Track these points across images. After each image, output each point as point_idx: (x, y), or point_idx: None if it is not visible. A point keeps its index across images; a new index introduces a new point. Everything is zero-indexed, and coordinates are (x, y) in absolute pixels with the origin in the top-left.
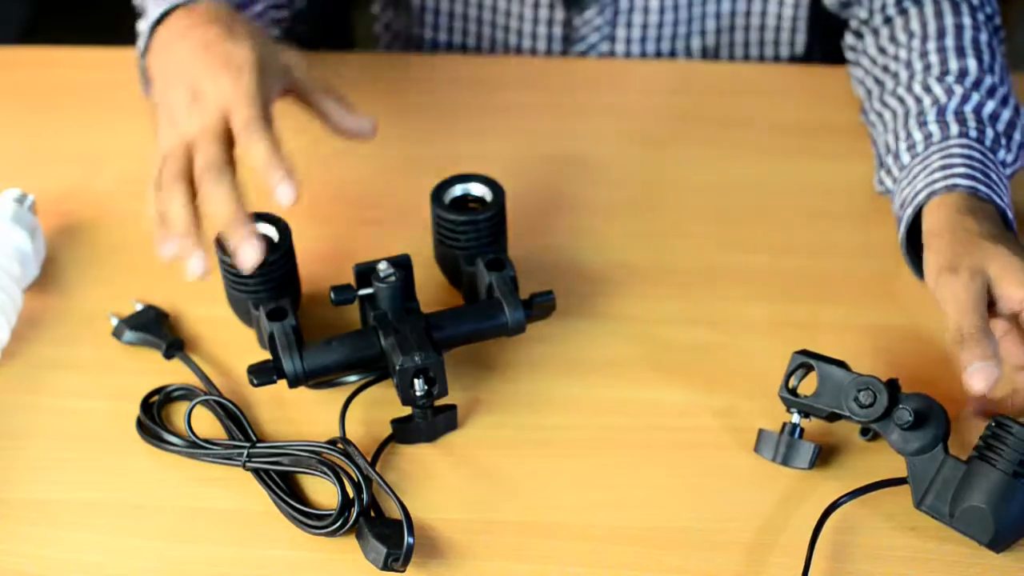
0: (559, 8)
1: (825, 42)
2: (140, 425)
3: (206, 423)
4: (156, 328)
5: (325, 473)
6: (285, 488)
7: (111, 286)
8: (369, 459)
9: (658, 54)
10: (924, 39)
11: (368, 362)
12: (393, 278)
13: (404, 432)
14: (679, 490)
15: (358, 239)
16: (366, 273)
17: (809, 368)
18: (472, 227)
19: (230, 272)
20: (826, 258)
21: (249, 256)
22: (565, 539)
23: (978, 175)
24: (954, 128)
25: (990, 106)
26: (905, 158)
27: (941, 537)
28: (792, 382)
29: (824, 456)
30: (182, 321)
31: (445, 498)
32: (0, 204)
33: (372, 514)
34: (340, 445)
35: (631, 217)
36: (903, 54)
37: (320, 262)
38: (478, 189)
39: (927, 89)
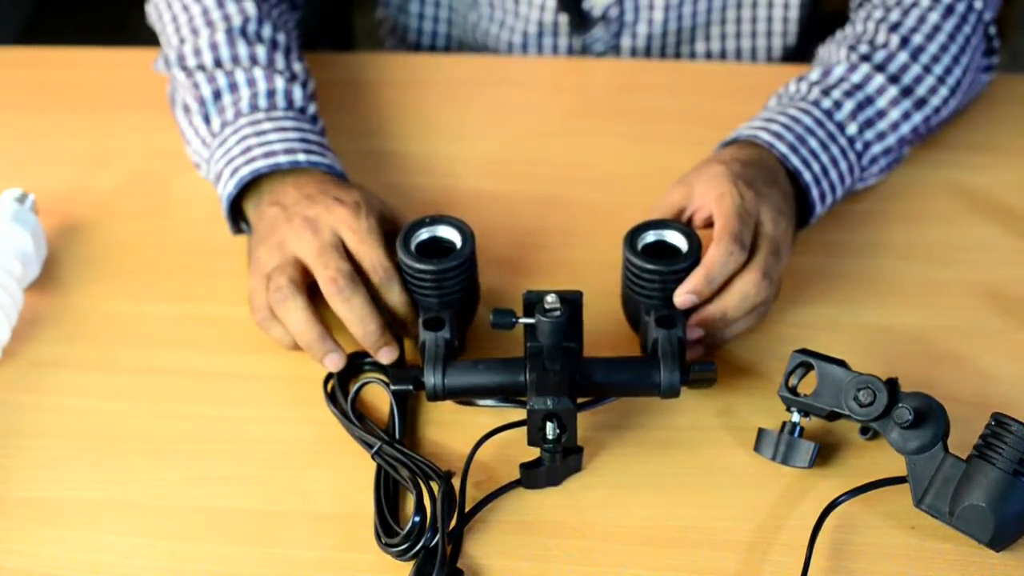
0: (564, 27)
1: (821, 41)
2: (330, 376)
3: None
4: None
5: (420, 499)
6: (390, 493)
7: (111, 286)
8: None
9: (663, 59)
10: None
11: (511, 391)
12: (557, 313)
13: (532, 477)
14: (679, 490)
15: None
16: (534, 302)
17: (809, 367)
18: (658, 277)
19: (408, 273)
20: (826, 258)
21: (386, 358)
22: (565, 539)
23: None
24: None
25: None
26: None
27: (941, 536)
28: (792, 381)
29: (824, 455)
30: None
31: None
32: (1, 204)
33: (443, 557)
34: (442, 479)
35: (629, 217)
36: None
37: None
38: (673, 237)
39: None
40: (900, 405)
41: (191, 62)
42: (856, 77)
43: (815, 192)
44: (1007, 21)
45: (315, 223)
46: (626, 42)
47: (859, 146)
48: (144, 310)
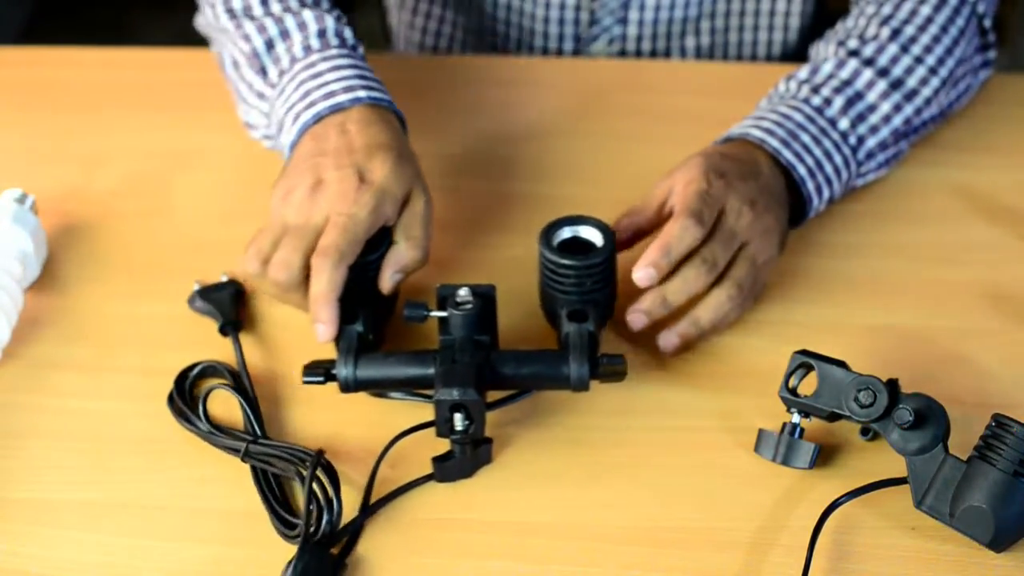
0: None
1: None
2: (171, 399)
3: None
4: (227, 303)
5: (304, 485)
6: (274, 488)
7: (111, 286)
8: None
9: (668, 35)
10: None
11: (420, 383)
12: (469, 306)
13: (445, 470)
14: (679, 490)
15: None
16: (447, 296)
17: (809, 368)
18: (573, 272)
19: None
20: (826, 258)
21: (322, 335)
22: (565, 539)
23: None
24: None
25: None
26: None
27: (941, 537)
28: (792, 382)
29: (824, 456)
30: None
31: (444, 497)
32: (1, 204)
33: (324, 541)
34: (322, 461)
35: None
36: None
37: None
38: (588, 232)
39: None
40: (900, 406)
41: (238, 4)
42: (844, 73)
43: (811, 185)
44: (1007, 21)
45: (318, 195)
46: (633, 15)
47: (853, 140)
48: (144, 310)
